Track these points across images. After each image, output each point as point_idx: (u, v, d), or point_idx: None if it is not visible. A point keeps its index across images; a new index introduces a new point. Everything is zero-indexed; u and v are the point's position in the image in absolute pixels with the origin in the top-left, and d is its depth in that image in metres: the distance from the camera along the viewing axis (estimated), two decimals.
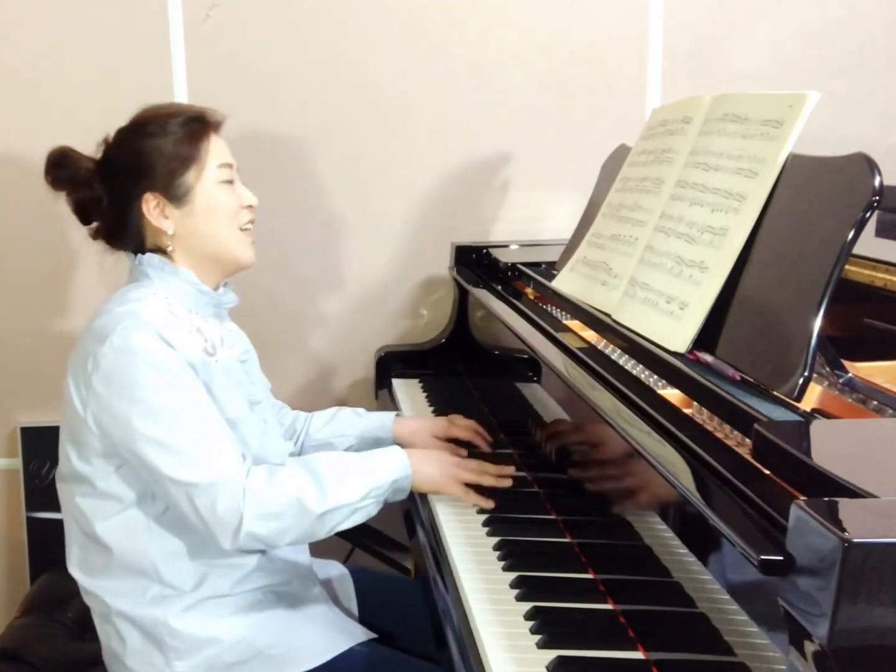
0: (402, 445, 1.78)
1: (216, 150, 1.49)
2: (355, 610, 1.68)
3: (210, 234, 1.49)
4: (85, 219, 1.53)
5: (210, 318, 1.51)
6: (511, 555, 1.38)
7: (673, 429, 1.12)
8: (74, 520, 1.47)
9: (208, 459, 1.36)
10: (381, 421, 1.80)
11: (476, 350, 2.25)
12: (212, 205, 1.48)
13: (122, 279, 1.53)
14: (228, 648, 1.43)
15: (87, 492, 1.44)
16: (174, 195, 1.46)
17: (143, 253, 1.49)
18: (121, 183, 1.47)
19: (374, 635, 1.53)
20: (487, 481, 1.54)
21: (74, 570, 1.49)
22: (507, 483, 1.55)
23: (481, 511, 1.52)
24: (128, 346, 1.35)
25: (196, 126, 1.48)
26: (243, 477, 1.37)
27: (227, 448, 1.38)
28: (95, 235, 1.53)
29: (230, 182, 1.50)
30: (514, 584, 1.30)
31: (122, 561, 1.43)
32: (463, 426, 1.77)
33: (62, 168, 1.48)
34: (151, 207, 1.46)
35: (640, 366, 1.39)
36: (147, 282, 1.47)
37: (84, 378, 1.38)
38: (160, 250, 1.49)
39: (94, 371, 1.37)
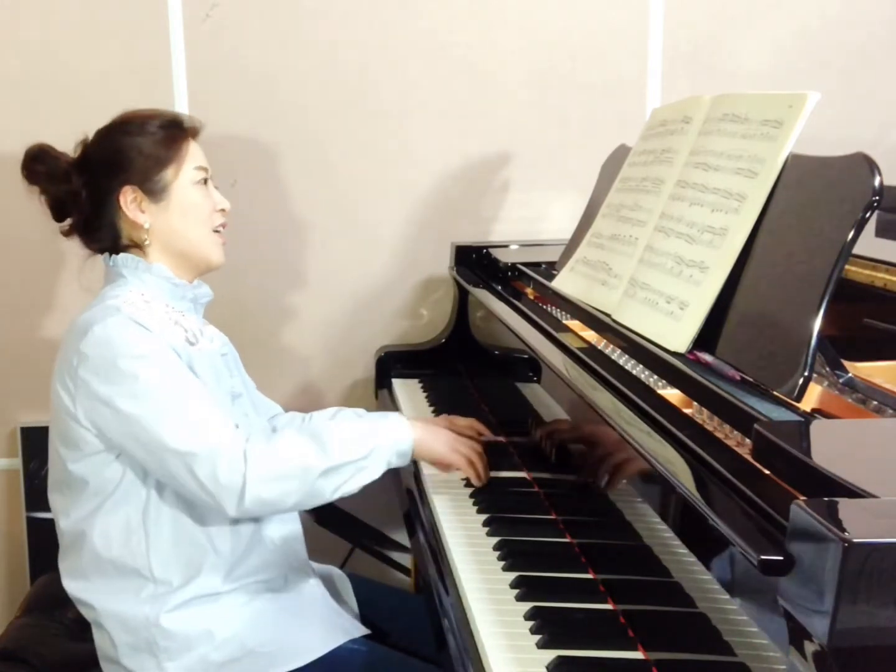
0: None
1: (193, 153, 1.54)
2: (355, 609, 1.67)
3: (184, 232, 1.53)
4: (60, 215, 1.55)
5: (188, 313, 1.54)
6: (511, 555, 1.37)
7: (673, 429, 1.12)
8: (68, 526, 1.48)
9: (204, 427, 1.38)
10: None
11: (476, 350, 2.25)
12: (187, 204, 1.52)
13: None
14: (219, 646, 1.43)
15: (79, 494, 1.45)
16: (151, 190, 1.50)
17: (118, 252, 1.52)
18: (99, 177, 1.51)
19: (368, 631, 1.54)
20: (477, 460, 1.55)
21: (67, 581, 1.50)
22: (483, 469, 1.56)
23: (481, 510, 1.52)
24: (108, 335, 1.39)
25: (175, 130, 1.53)
26: (242, 441, 1.38)
27: (220, 417, 1.41)
28: (69, 232, 1.56)
29: (205, 185, 1.55)
30: (514, 584, 1.30)
31: (115, 562, 1.44)
32: (463, 425, 1.78)
33: (40, 163, 1.52)
34: (129, 200, 1.49)
35: (640, 366, 1.39)
36: (122, 281, 1.51)
37: (70, 373, 1.40)
38: (135, 245, 1.52)
39: (79, 364, 1.39)
